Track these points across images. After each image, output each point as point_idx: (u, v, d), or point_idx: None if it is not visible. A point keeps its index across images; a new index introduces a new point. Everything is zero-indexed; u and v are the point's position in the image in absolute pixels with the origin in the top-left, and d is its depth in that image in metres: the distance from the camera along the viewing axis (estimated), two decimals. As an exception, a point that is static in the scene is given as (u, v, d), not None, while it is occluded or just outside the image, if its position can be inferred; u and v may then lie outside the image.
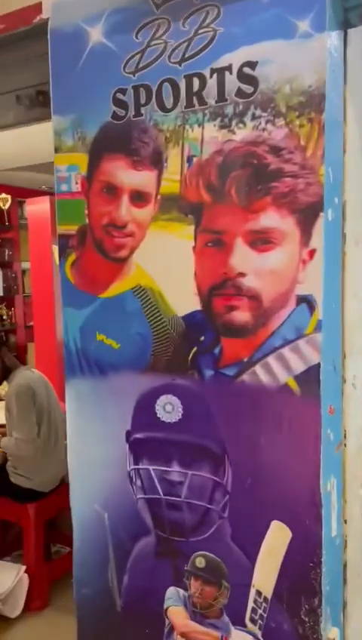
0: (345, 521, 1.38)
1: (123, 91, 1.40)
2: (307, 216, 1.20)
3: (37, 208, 3.97)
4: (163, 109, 1.35)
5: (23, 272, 5.31)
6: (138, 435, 1.47)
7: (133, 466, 1.49)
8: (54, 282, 3.73)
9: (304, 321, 1.22)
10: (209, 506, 1.38)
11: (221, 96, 1.27)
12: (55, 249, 2.68)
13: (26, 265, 5.04)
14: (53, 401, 2.68)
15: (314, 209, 1.19)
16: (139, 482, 1.48)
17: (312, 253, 1.21)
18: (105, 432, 1.55)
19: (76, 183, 1.52)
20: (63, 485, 2.52)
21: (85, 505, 1.60)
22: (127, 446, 1.49)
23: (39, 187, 5.02)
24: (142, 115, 1.38)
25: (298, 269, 1.22)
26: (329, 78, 1.17)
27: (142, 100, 1.38)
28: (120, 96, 1.41)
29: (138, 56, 1.37)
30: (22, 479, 2.55)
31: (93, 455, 1.58)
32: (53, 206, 1.65)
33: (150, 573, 1.51)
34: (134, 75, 1.38)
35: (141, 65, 1.37)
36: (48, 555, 2.74)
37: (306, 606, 1.28)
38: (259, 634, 1.34)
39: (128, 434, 1.49)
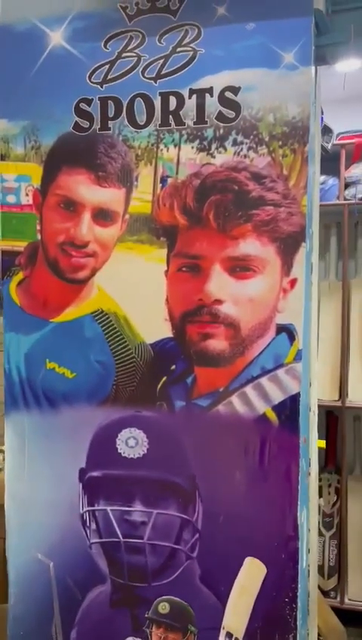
0: (309, 550, 1.38)
1: (88, 102, 1.31)
2: (288, 245, 1.20)
3: None
4: (134, 124, 1.28)
5: None
6: (94, 474, 1.35)
7: (87, 508, 1.36)
8: None
9: (284, 351, 1.21)
10: (176, 547, 1.30)
11: (200, 118, 1.23)
12: None
13: None
14: None
15: (295, 239, 1.19)
16: (93, 525, 1.35)
17: (293, 282, 1.20)
18: (53, 472, 1.40)
19: (27, 195, 1.37)
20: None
21: (25, 554, 1.43)
22: (80, 486, 1.36)
23: None
24: (109, 128, 1.30)
25: (278, 298, 1.21)
26: (312, 111, 1.19)
27: (110, 113, 1.29)
28: (84, 106, 1.31)
29: (107, 66, 1.29)
30: None
31: (36, 497, 1.42)
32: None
33: (104, 624, 1.37)
34: (102, 87, 1.29)
35: (110, 76, 1.29)
36: None
37: (280, 643, 1.24)
38: None
39: (82, 472, 1.36)
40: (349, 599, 2.54)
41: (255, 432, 1.23)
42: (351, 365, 2.60)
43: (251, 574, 1.25)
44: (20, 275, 1.40)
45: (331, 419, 2.72)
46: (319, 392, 2.60)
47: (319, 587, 2.49)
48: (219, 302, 1.23)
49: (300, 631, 1.28)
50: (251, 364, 1.23)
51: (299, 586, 1.24)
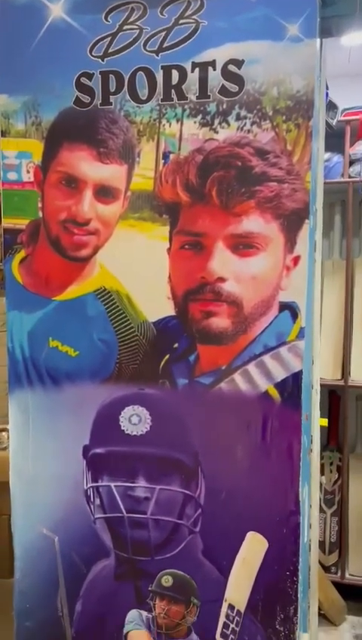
0: (310, 526, 1.40)
1: (89, 76, 1.28)
2: (292, 222, 1.19)
3: None
4: (136, 99, 1.26)
5: None
6: (98, 450, 1.36)
7: (91, 484, 1.37)
8: None
9: (286, 328, 1.21)
10: (178, 522, 1.32)
11: (203, 92, 1.21)
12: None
13: None
14: None
15: (299, 215, 1.18)
16: (98, 501, 1.37)
17: (297, 260, 1.20)
18: (57, 448, 1.41)
19: (28, 172, 1.36)
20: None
21: (30, 529, 1.45)
22: (85, 462, 1.37)
23: None
24: (111, 103, 1.28)
25: (281, 276, 1.21)
26: (316, 85, 1.17)
27: (112, 88, 1.27)
28: (85, 80, 1.29)
29: (108, 39, 1.26)
30: None
31: (40, 474, 1.43)
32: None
33: (108, 597, 1.40)
34: (103, 60, 1.27)
35: (111, 50, 1.26)
36: None
37: (281, 615, 1.27)
38: (230, 649, 1.31)
39: (86, 449, 1.37)
40: (349, 574, 2.58)
41: (257, 410, 1.24)
42: (354, 344, 2.60)
43: (253, 548, 1.27)
44: (22, 254, 1.39)
45: (333, 398, 2.73)
46: (322, 371, 2.61)
47: (320, 563, 2.53)
48: (221, 280, 1.23)
49: (301, 604, 1.30)
50: (254, 342, 1.23)
51: (300, 559, 1.25)
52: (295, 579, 1.25)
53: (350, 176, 2.58)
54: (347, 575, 2.57)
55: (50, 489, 1.42)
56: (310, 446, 1.35)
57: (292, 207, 1.18)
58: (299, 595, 1.27)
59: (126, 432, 1.32)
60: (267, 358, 1.22)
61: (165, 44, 1.22)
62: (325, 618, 2.41)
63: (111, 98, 1.27)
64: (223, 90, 1.20)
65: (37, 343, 1.39)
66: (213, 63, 1.20)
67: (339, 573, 2.57)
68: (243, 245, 1.21)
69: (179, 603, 1.34)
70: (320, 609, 2.34)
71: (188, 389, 1.28)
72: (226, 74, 1.19)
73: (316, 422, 1.41)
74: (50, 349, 1.38)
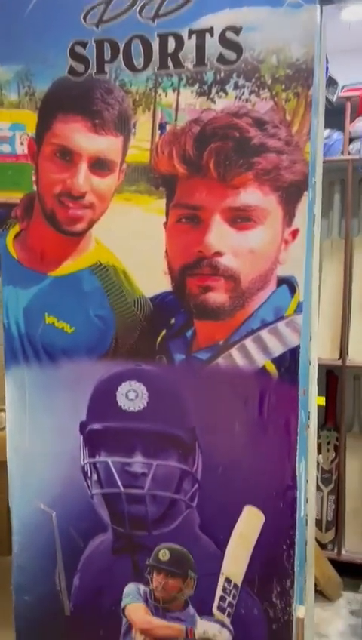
0: (307, 500, 1.40)
1: (83, 44, 1.25)
2: (291, 194, 1.17)
3: None
4: (132, 68, 1.23)
5: None
6: (95, 426, 1.36)
7: (88, 460, 1.37)
8: None
9: (284, 303, 1.20)
10: (176, 497, 1.32)
11: (200, 60, 1.18)
12: None
13: None
14: None
15: (298, 188, 1.16)
16: (95, 477, 1.37)
17: (295, 233, 1.18)
18: (54, 424, 1.41)
19: (21, 144, 1.34)
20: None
21: (28, 505, 1.45)
22: (81, 438, 1.37)
23: None
24: (106, 73, 1.25)
25: (279, 250, 1.19)
26: (316, 53, 1.14)
27: (107, 57, 1.24)
28: (79, 49, 1.26)
29: (102, 6, 1.23)
30: None
31: (38, 449, 1.43)
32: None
33: (106, 571, 1.41)
34: (97, 28, 1.24)
35: (106, 17, 1.23)
36: None
37: (278, 588, 1.28)
38: (227, 621, 1.32)
39: (83, 425, 1.37)
40: (346, 551, 2.60)
41: (254, 385, 1.23)
42: (352, 324, 2.59)
43: (250, 522, 1.27)
44: (17, 228, 1.37)
45: (331, 378, 2.73)
46: (320, 351, 2.60)
47: (317, 540, 2.55)
48: (219, 254, 1.21)
49: (298, 577, 1.31)
50: (251, 317, 1.22)
51: (297, 533, 1.26)
52: (291, 552, 1.25)
53: (350, 154, 2.54)
54: (343, 552, 2.60)
55: (48, 465, 1.42)
56: (307, 422, 1.34)
57: (291, 179, 1.16)
58: (295, 569, 1.28)
59: (123, 408, 1.32)
60: (264, 333, 1.21)
61: (161, 11, 1.19)
62: (321, 594, 2.44)
63: (106, 67, 1.24)
64: (221, 58, 1.17)
65: (33, 319, 1.38)
66: (210, 30, 1.17)
67: (336, 551, 2.60)
68: (241, 218, 1.19)
69: (176, 576, 1.35)
70: (316, 585, 2.36)
71: (185, 365, 1.27)
72: (224, 41, 1.16)
73: (313, 398, 1.41)
74: (46, 325, 1.37)
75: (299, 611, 1.31)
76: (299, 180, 1.16)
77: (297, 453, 1.23)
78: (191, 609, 1.35)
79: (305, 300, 1.20)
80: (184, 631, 1.35)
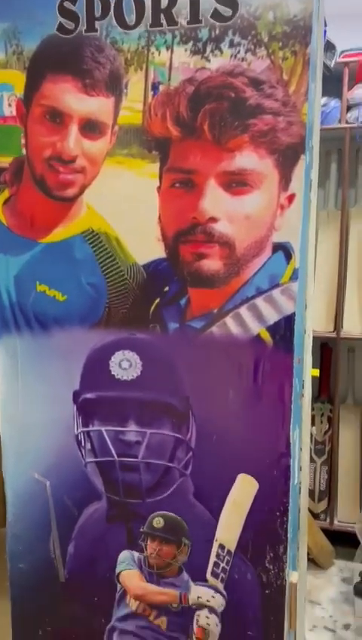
0: (300, 468, 1.40)
1: (72, 0, 1.20)
2: (287, 158, 1.14)
3: None
4: (123, 25, 1.18)
5: None
6: (88, 395, 1.35)
7: (81, 429, 1.36)
8: None
9: (280, 270, 1.18)
10: (170, 465, 1.32)
11: (194, 16, 1.14)
12: None
13: None
14: None
15: (295, 151, 1.13)
16: (88, 445, 1.37)
17: (291, 198, 1.15)
18: (47, 394, 1.40)
19: (9, 106, 1.29)
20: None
21: (22, 474, 1.45)
22: (75, 407, 1.36)
23: None
24: (96, 30, 1.20)
25: (275, 215, 1.17)
26: (314, 9, 1.10)
27: (97, 13, 1.19)
28: (68, 5, 1.20)
29: None
30: None
31: (31, 419, 1.42)
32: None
33: (100, 539, 1.41)
34: (87, -19, 1.19)
35: (96, -31, 1.18)
36: None
37: (271, 554, 1.29)
38: (221, 587, 1.33)
39: (76, 394, 1.36)
40: (338, 521, 2.64)
41: (249, 353, 1.22)
42: (347, 296, 2.58)
43: (243, 490, 1.27)
44: (6, 194, 1.34)
45: (325, 350, 2.73)
46: (314, 322, 2.60)
47: (310, 510, 2.59)
48: (213, 220, 1.18)
49: (291, 544, 1.32)
50: (246, 285, 1.20)
51: (290, 500, 1.26)
52: (285, 519, 1.26)
53: (347, 122, 2.49)
54: (336, 522, 2.64)
55: (41, 434, 1.41)
56: (301, 390, 1.34)
57: (288, 141, 1.13)
58: (288, 535, 1.28)
59: (116, 377, 1.31)
60: (259, 301, 1.20)
61: (154, -37, 1.14)
62: (314, 563, 2.48)
63: (97, 24, 1.19)
64: (216, 15, 1.12)
65: (24, 287, 1.36)
66: (204, -16, 1.12)
67: (328, 520, 2.64)
68: (236, 183, 1.16)
69: (170, 543, 1.36)
70: (309, 554, 2.41)
71: (179, 334, 1.26)
72: (219, -4, 1.11)
73: (308, 367, 1.40)
74: (37, 294, 1.35)
75: (292, 577, 1.32)
76: (295, 143, 1.13)
77: (291, 422, 1.23)
78: (185, 575, 1.36)
79: (300, 267, 1.18)
80: (178, 596, 1.36)
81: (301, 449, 1.39)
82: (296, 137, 1.12)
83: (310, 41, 1.09)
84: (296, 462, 1.32)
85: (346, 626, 2.12)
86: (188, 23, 1.14)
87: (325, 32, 2.19)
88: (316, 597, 2.32)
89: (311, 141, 1.20)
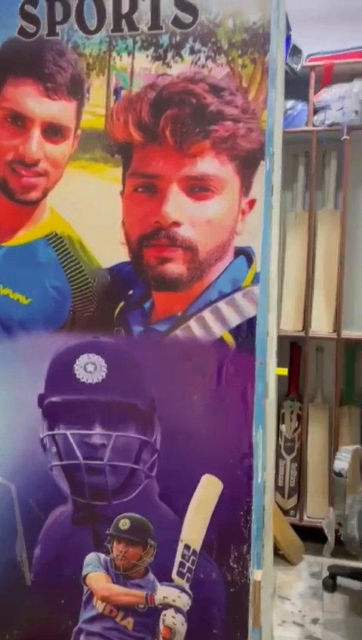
0: (264, 468, 1.43)
1: (33, 3, 1.20)
2: (247, 164, 1.16)
3: None
4: (84, 29, 1.18)
5: None
6: (53, 399, 1.35)
7: (47, 432, 1.36)
8: None
9: (241, 274, 1.20)
10: (135, 467, 1.33)
11: (155, 22, 1.15)
12: None
13: None
14: None
15: (255, 157, 1.15)
16: (54, 449, 1.37)
17: (252, 203, 1.17)
18: (11, 398, 1.39)
19: (-29, 109, 1.28)
20: None
21: (-13, 478, 1.44)
22: (40, 411, 1.36)
23: None
24: (57, 34, 1.20)
25: (237, 220, 1.18)
26: (273, 18, 1.12)
27: (58, 17, 1.19)
28: (29, 8, 1.20)
29: None
30: None
31: (-5, 424, 1.42)
32: None
33: (66, 541, 1.42)
34: (48, -15, 1.18)
35: (57, -27, 1.17)
36: None
37: (235, 553, 1.31)
38: (186, 586, 1.35)
39: (41, 398, 1.35)
40: (307, 517, 2.69)
41: (212, 355, 1.24)
42: (315, 296, 2.62)
43: (207, 490, 1.29)
44: (-32, 197, 1.32)
45: (295, 349, 2.77)
46: (283, 322, 2.63)
47: (280, 506, 2.63)
48: (176, 224, 1.20)
49: (256, 542, 1.34)
50: (209, 288, 1.22)
51: (254, 500, 1.29)
52: (248, 518, 1.28)
53: (314, 125, 2.53)
54: (305, 517, 2.68)
55: (6, 438, 1.41)
56: (265, 392, 1.36)
57: (248, 147, 1.15)
58: (252, 534, 1.31)
59: (81, 381, 1.31)
60: (222, 304, 1.22)
61: (115, -31, 1.14)
62: (284, 558, 2.52)
63: (58, 28, 1.19)
64: (176, 21, 1.14)
65: (-13, 291, 1.35)
66: (165, -9, 1.13)
67: (298, 516, 2.68)
68: (198, 188, 1.18)
69: (136, 545, 1.37)
70: (279, 550, 2.44)
71: (143, 337, 1.27)
72: (179, 3, 1.13)
73: (272, 369, 1.42)
74: (1, 297, 1.34)
75: (256, 575, 1.35)
76: (255, 149, 1.15)
77: (254, 422, 1.25)
78: (151, 576, 1.38)
79: (262, 271, 1.20)
80: (144, 597, 1.38)
81: (265, 449, 1.41)
82: (255, 144, 1.14)
83: (269, 50, 1.11)
84: (260, 461, 1.34)
85: (314, 621, 2.16)
86: (149, 28, 1.15)
87: (290, 36, 2.22)
88: (285, 592, 2.36)
89: (271, 147, 1.22)
